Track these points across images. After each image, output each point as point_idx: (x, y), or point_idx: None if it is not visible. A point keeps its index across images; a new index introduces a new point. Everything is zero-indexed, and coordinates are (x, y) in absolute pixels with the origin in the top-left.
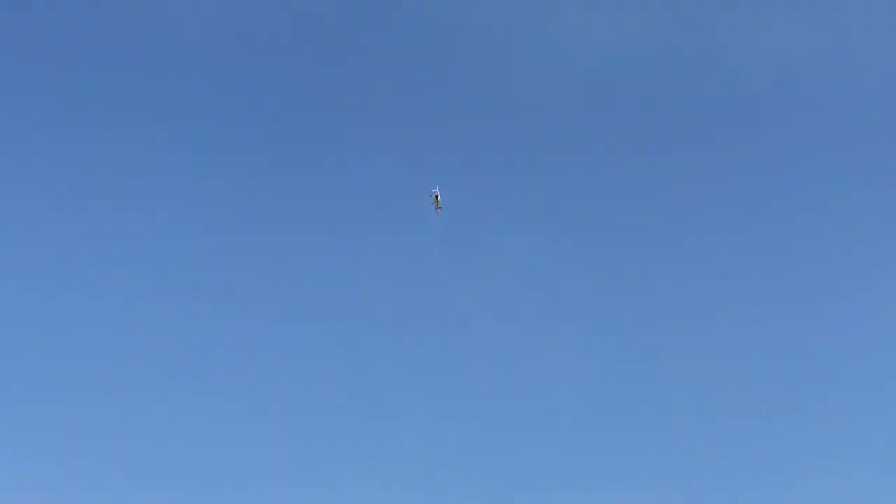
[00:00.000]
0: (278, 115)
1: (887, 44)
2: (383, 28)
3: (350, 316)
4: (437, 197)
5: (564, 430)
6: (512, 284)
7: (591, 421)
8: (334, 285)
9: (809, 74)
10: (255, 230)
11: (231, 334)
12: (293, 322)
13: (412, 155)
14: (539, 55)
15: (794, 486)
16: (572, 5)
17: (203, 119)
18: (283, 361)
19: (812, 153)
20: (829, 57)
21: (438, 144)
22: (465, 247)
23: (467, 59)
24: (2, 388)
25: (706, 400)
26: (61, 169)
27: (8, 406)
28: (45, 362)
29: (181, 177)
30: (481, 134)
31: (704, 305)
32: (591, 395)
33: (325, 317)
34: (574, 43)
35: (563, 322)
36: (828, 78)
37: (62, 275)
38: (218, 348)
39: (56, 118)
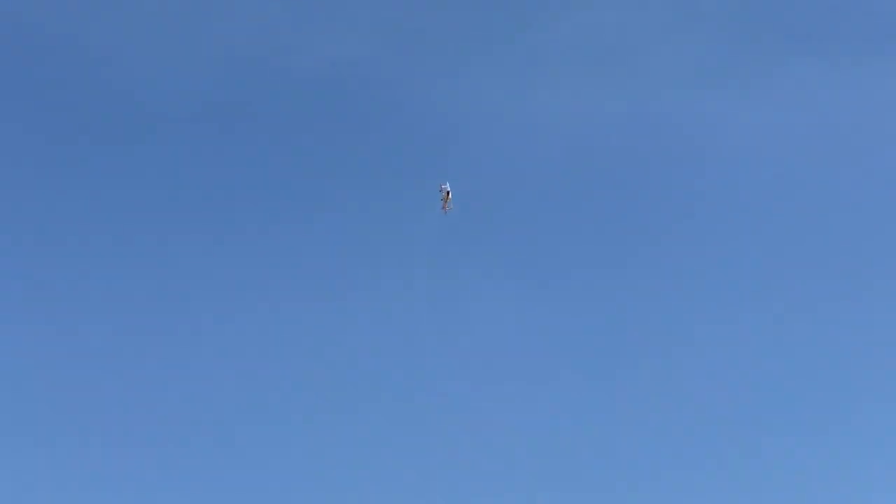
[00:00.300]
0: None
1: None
2: (360, 98)
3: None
4: (447, 193)
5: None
6: (490, 345)
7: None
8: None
9: (785, 155)
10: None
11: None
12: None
13: (389, 220)
14: (515, 127)
15: None
16: (550, 81)
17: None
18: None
19: (788, 235)
20: (805, 140)
21: (415, 207)
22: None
23: (446, 129)
24: None
25: (696, 461)
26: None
27: None
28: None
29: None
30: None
31: (687, 368)
32: (571, 457)
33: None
34: (551, 116)
35: (544, 381)
36: (805, 159)
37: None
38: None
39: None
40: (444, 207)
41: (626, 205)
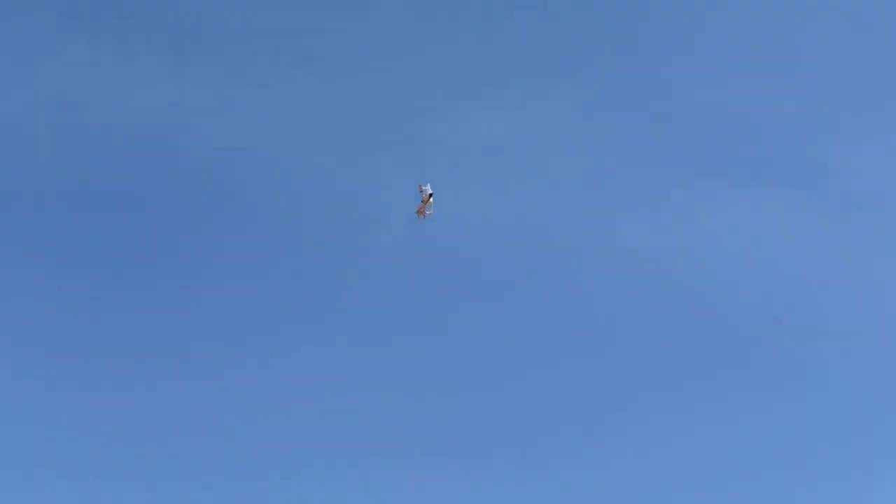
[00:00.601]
0: None
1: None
2: (256, 184)
3: None
4: (429, 196)
5: None
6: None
7: None
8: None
9: (675, 268)
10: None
11: None
12: None
13: (274, 309)
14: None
15: None
16: (445, 181)
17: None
18: None
19: (671, 341)
20: (692, 255)
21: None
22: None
23: (340, 222)
24: None
25: None
26: None
27: None
28: None
29: None
30: (344, 304)
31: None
32: None
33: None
34: (445, 215)
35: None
36: (691, 273)
37: None
38: None
39: None
40: (419, 210)
41: (512, 306)
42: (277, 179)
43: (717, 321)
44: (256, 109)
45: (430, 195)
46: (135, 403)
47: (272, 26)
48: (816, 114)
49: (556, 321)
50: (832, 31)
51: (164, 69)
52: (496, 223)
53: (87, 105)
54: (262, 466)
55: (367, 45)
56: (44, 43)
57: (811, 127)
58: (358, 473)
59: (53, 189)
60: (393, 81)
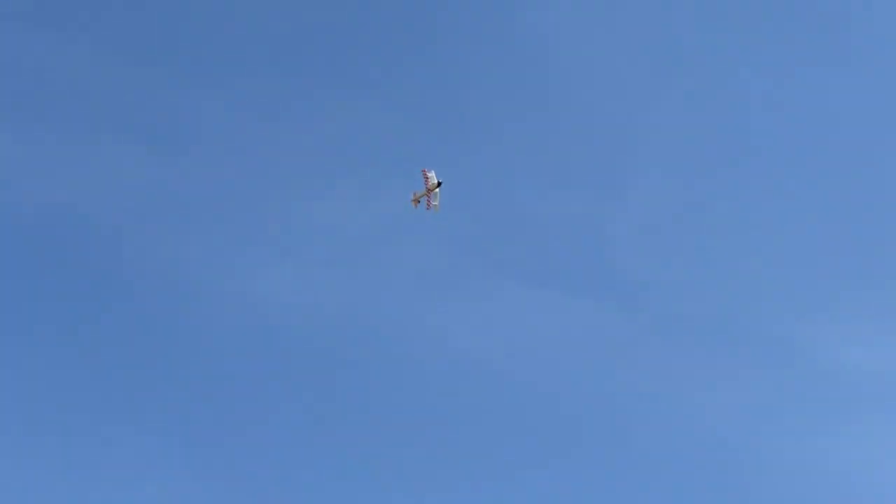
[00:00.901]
0: None
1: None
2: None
3: None
4: (437, 184)
5: None
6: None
7: None
8: None
9: (489, 373)
10: None
11: None
12: None
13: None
14: (230, 304)
15: None
16: (277, 264)
17: None
18: None
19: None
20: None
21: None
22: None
23: (165, 293)
24: None
25: None
26: None
27: None
28: None
29: None
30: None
31: None
32: None
33: None
34: (269, 298)
35: None
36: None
37: None
38: None
39: None
40: (417, 199)
41: (327, 391)
42: (101, 243)
43: (523, 422)
44: (84, 171)
45: (439, 184)
46: None
47: (109, 90)
48: (642, 233)
49: (368, 410)
50: (664, 152)
51: None
52: (324, 309)
53: None
54: None
55: (209, 121)
56: None
57: (636, 245)
58: None
59: None
60: (231, 159)
